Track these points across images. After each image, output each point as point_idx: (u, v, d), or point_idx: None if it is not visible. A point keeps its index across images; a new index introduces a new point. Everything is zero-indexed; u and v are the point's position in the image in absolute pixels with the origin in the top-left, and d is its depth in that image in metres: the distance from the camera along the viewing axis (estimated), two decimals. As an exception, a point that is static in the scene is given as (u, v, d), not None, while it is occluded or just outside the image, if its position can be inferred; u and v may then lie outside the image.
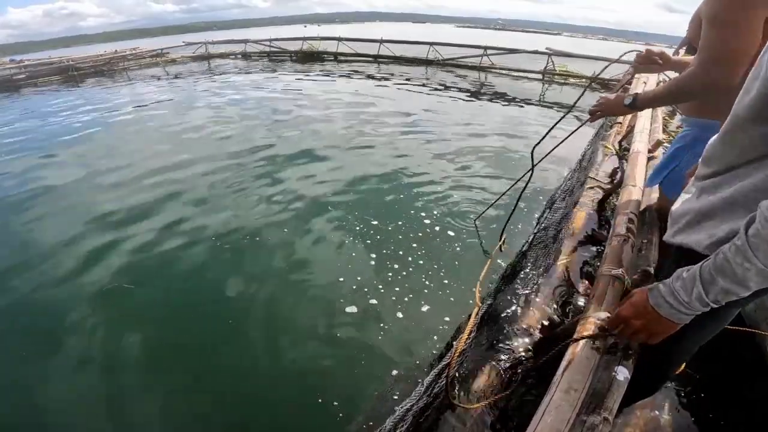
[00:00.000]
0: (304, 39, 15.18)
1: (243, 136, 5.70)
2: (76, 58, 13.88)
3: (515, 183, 3.13)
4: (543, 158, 2.89)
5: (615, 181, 2.83)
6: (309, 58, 14.49)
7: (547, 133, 2.26)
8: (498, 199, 3.25)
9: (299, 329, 2.28)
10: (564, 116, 2.36)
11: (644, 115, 3.91)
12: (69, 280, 2.74)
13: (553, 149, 2.73)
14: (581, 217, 2.42)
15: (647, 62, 1.63)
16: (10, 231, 3.41)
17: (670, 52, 1.56)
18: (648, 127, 3.60)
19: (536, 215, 3.47)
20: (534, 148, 2.47)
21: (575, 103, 2.15)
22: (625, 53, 2.54)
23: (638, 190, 1.98)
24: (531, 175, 2.59)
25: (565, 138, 2.38)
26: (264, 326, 2.30)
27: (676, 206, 0.88)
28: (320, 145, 5.29)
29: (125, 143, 5.63)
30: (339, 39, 14.31)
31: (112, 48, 17.07)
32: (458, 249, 2.99)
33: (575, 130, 2.17)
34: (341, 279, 2.68)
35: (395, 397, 1.83)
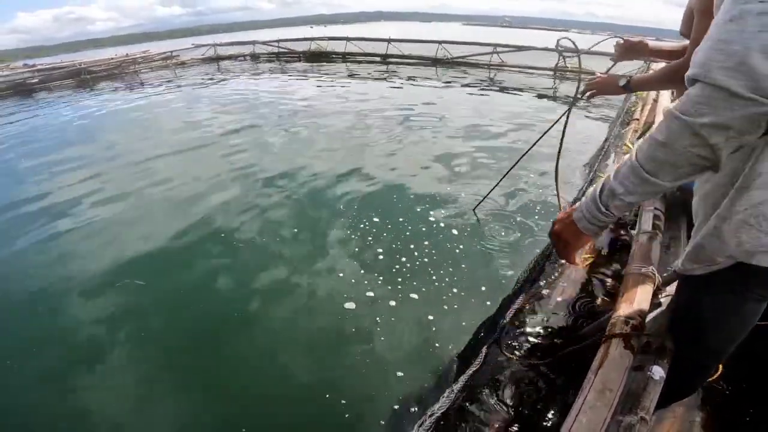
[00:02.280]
0: (312, 39, 15.23)
1: (252, 135, 5.77)
2: (88, 62, 14.09)
3: (510, 169, 3.16)
4: (533, 145, 2.92)
5: None
6: (317, 57, 14.55)
7: (538, 139, 2.25)
8: (494, 187, 3.27)
9: (302, 329, 2.27)
10: (554, 124, 2.40)
11: (665, 104, 3.85)
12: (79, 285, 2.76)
13: (543, 134, 2.83)
14: None
15: (627, 51, 1.67)
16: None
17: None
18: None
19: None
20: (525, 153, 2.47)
21: (568, 112, 2.13)
22: (609, 40, 2.53)
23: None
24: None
25: (558, 119, 2.45)
26: (266, 329, 2.29)
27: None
28: (326, 144, 5.33)
29: (135, 140, 5.70)
30: (347, 39, 14.33)
31: (122, 51, 17.31)
32: (463, 246, 2.95)
33: (566, 112, 2.22)
34: (341, 275, 2.68)
35: (412, 401, 1.80)
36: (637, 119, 4.67)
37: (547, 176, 3.92)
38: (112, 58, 14.90)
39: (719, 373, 1.22)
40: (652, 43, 1.63)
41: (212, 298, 2.55)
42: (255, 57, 16.04)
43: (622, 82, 1.55)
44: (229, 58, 16.34)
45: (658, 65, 1.82)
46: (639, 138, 4.08)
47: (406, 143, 5.25)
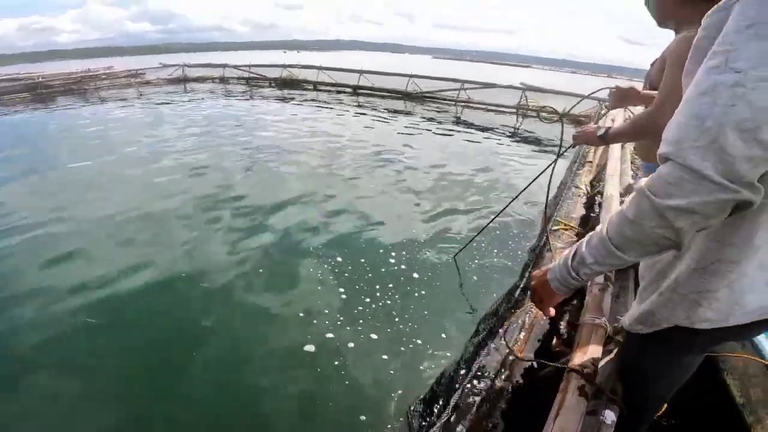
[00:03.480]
0: (284, 66, 15.31)
1: (214, 166, 5.58)
2: (46, 75, 13.45)
3: (494, 219, 3.18)
4: (518, 195, 2.97)
5: (589, 225, 2.93)
6: (288, 85, 14.60)
7: (521, 192, 2.30)
8: (475, 236, 3.25)
9: (259, 368, 2.20)
10: (539, 175, 2.45)
11: (615, 157, 4.09)
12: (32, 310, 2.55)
13: (526, 186, 2.84)
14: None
15: (620, 99, 1.72)
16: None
17: (639, 86, 1.64)
18: (619, 169, 3.76)
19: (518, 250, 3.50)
20: (507, 205, 2.50)
21: (557, 156, 2.21)
22: (598, 90, 2.69)
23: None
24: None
25: (543, 171, 2.46)
26: (219, 375, 2.19)
27: None
28: (292, 176, 5.25)
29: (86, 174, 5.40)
30: (319, 68, 14.53)
31: (85, 65, 16.72)
32: (434, 287, 2.94)
33: (554, 161, 2.24)
34: (302, 315, 2.59)
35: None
36: (590, 162, 4.96)
37: (524, 223, 3.99)
38: (72, 73, 14.33)
39: (665, 409, 1.26)
40: (643, 91, 1.68)
41: (161, 337, 2.42)
42: (224, 80, 15.91)
43: (600, 133, 1.61)
44: (198, 80, 16.12)
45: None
46: (592, 179, 4.31)
47: (376, 179, 5.26)
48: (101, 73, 15.07)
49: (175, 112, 9.50)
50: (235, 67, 16.28)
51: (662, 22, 1.36)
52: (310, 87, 14.43)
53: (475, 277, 3.09)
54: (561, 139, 2.05)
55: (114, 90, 13.63)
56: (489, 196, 4.85)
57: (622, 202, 2.64)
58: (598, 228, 0.70)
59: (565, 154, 1.98)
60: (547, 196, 2.34)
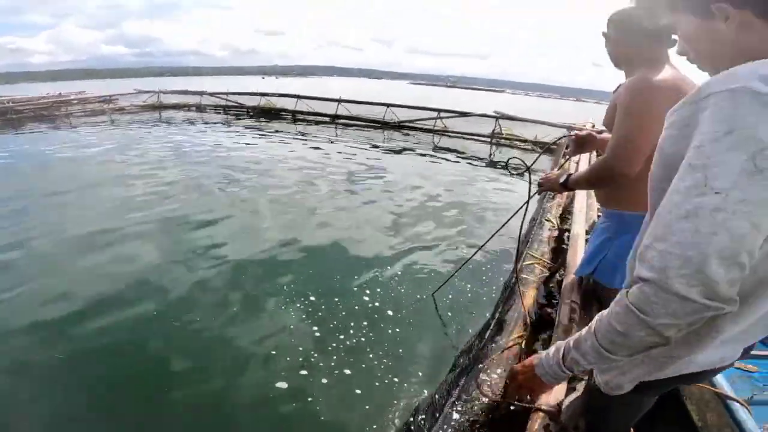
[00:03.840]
0: (262, 95, 15.32)
1: (184, 198, 5.43)
2: (17, 100, 13.04)
3: (469, 258, 3.18)
4: (494, 234, 3.02)
5: (559, 262, 3.02)
6: (266, 114, 14.59)
7: (495, 233, 2.34)
8: (453, 275, 3.21)
9: (229, 405, 2.14)
10: (511, 217, 2.51)
11: (582, 193, 4.25)
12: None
13: (501, 227, 2.85)
14: (531, 296, 2.49)
15: (580, 146, 1.77)
16: None
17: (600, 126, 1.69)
18: (585, 205, 3.91)
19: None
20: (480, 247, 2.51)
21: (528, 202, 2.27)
22: (560, 138, 2.83)
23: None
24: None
25: (515, 213, 2.50)
26: (192, 401, 2.15)
27: None
28: (267, 207, 5.17)
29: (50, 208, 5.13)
30: (297, 96, 14.61)
31: (58, 88, 16.30)
32: (409, 324, 2.90)
33: (524, 204, 2.28)
34: (274, 352, 2.53)
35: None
36: (560, 194, 5.13)
37: (498, 256, 4.00)
38: (43, 98, 13.97)
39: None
40: (600, 135, 1.73)
41: (123, 373, 2.34)
42: (201, 108, 15.81)
43: (562, 180, 1.64)
44: (174, 107, 15.96)
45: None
46: (562, 213, 4.45)
47: (352, 211, 5.23)
48: (73, 98, 14.74)
49: (147, 141, 9.30)
50: (212, 94, 16.22)
51: (617, 66, 1.44)
52: (288, 116, 14.46)
53: (449, 313, 3.07)
54: (529, 189, 2.10)
55: (85, 117, 13.30)
56: (464, 228, 4.86)
57: (587, 241, 2.75)
58: (585, 331, 0.73)
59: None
60: (519, 242, 2.40)
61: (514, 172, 2.10)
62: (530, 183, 2.08)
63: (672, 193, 0.54)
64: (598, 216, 3.44)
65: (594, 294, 1.91)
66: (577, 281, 2.03)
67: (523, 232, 2.56)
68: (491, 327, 2.42)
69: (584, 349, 0.72)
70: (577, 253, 2.58)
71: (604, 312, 0.68)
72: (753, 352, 2.37)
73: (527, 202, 2.16)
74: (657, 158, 0.66)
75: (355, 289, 3.36)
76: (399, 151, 9.75)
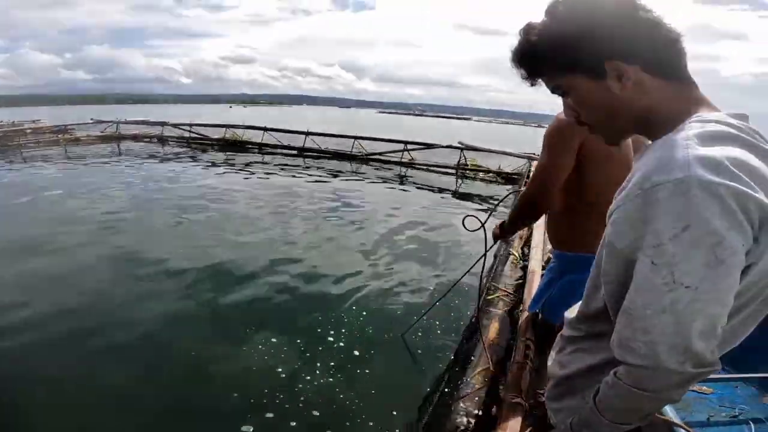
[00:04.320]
0: (227, 126, 15.04)
1: (146, 234, 5.19)
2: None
3: (443, 297, 3.12)
4: (462, 276, 2.97)
5: (522, 294, 3.01)
6: (231, 146, 14.27)
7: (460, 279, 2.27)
8: (422, 316, 3.15)
9: None
10: (474, 265, 2.51)
11: (539, 229, 4.27)
12: None
13: (461, 277, 2.90)
14: (494, 329, 2.51)
15: (497, 238, 1.90)
16: None
17: None
18: (541, 242, 3.91)
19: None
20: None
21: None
22: (508, 194, 2.91)
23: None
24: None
25: (476, 262, 2.53)
26: None
27: None
28: (233, 243, 5.01)
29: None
30: (264, 129, 14.40)
31: (14, 115, 15.41)
32: (378, 365, 2.83)
33: (483, 256, 2.37)
34: (237, 395, 2.41)
35: None
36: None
37: (466, 293, 3.85)
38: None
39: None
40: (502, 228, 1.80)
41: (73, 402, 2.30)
42: (163, 140, 15.32)
43: (504, 224, 1.74)
44: (134, 138, 15.40)
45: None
46: (524, 246, 4.42)
47: (317, 248, 5.08)
48: (27, 127, 13.95)
49: (102, 177, 8.80)
50: (175, 125, 15.81)
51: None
52: (254, 149, 14.23)
53: (419, 351, 3.02)
54: (486, 243, 2.17)
55: (39, 149, 12.48)
56: (434, 262, 4.83)
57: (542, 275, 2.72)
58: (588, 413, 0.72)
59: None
60: (480, 295, 2.49)
61: (471, 229, 2.15)
62: (486, 243, 2.18)
63: (644, 290, 0.56)
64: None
65: (549, 330, 1.95)
66: (531, 317, 2.10)
67: (488, 266, 2.65)
68: (453, 368, 2.49)
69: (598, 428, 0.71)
70: (533, 289, 2.68)
71: (598, 402, 0.69)
72: (709, 376, 2.41)
73: (484, 255, 2.30)
74: (607, 254, 0.66)
75: (323, 328, 3.26)
76: (367, 184, 9.73)
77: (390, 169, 12.04)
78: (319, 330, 3.19)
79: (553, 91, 0.73)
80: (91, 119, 16.43)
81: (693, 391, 2.43)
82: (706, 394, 2.44)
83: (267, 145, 14.24)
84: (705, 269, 0.51)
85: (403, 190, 9.46)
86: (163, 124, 16.00)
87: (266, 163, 11.87)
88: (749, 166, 0.53)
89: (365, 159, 12.86)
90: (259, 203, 7.16)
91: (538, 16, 0.70)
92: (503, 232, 1.76)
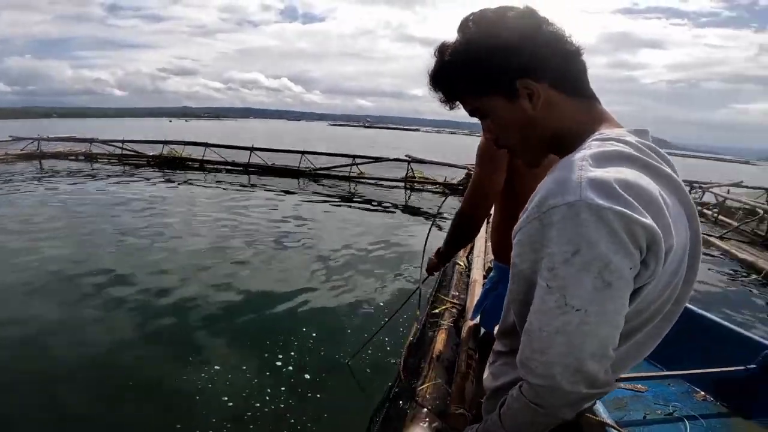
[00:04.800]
0: (165, 143, 14.23)
1: (79, 260, 4.78)
2: None
3: (390, 318, 3.07)
4: (401, 307, 2.95)
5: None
6: (169, 164, 13.49)
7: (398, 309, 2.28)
8: (369, 340, 3.04)
9: None
10: (407, 300, 2.58)
11: (480, 238, 4.37)
12: None
13: (402, 304, 2.85)
14: (441, 340, 2.49)
15: (433, 268, 1.89)
16: None
17: None
18: (482, 252, 4.01)
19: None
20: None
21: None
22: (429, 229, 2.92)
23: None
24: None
25: (409, 297, 2.56)
26: None
27: None
28: (174, 265, 4.78)
29: None
30: (206, 145, 13.78)
31: None
32: (329, 388, 2.78)
33: (416, 290, 2.42)
34: (179, 427, 2.29)
35: None
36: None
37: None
38: None
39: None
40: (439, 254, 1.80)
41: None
42: (91, 157, 14.20)
43: (434, 255, 1.75)
44: (58, 156, 14.11)
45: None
46: (469, 254, 4.50)
47: (263, 270, 4.91)
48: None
49: (21, 199, 7.98)
50: (105, 142, 14.74)
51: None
52: (195, 165, 13.54)
53: (368, 370, 2.99)
54: (419, 290, 2.23)
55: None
56: (383, 278, 4.81)
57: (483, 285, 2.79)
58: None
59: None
60: (419, 305, 2.51)
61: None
62: (419, 290, 2.28)
63: (539, 312, 0.57)
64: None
65: (489, 340, 1.99)
66: (473, 328, 2.12)
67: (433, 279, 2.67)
68: (401, 383, 2.45)
69: None
70: (474, 298, 2.71)
71: (503, 413, 0.71)
72: (641, 374, 2.56)
73: (418, 288, 2.38)
74: (512, 274, 0.67)
75: (271, 351, 3.16)
76: (315, 201, 9.58)
77: (338, 184, 11.99)
78: (266, 355, 3.08)
79: (471, 114, 0.72)
80: (10, 136, 14.93)
81: (629, 389, 2.57)
82: (641, 392, 2.59)
83: (209, 161, 13.63)
84: (593, 292, 0.52)
85: (352, 205, 9.43)
86: (91, 140, 14.89)
87: (208, 181, 11.38)
88: (639, 189, 0.54)
89: (313, 174, 12.70)
90: (201, 223, 6.82)
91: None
92: (441, 258, 1.75)
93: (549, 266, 0.55)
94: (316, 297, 4.17)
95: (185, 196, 9.16)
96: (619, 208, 0.51)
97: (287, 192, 10.36)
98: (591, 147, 0.59)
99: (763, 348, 2.30)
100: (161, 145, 14.26)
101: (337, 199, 9.94)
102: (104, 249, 5.25)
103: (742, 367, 2.26)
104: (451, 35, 0.67)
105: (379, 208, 9.27)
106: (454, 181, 11.70)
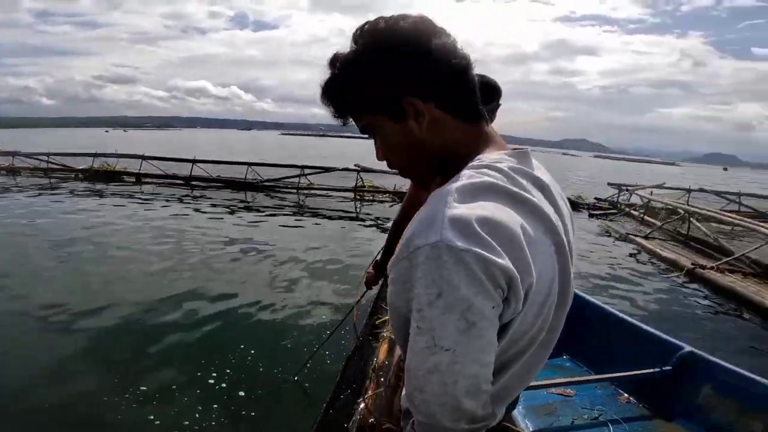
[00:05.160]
0: (96, 155, 13.26)
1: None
2: None
3: (333, 332, 3.06)
4: (338, 326, 2.96)
5: None
6: (102, 177, 12.54)
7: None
8: (312, 355, 3.07)
9: None
10: (344, 319, 2.65)
11: None
12: None
13: (338, 326, 2.94)
14: (384, 351, 2.47)
15: (370, 282, 1.92)
16: None
17: None
18: None
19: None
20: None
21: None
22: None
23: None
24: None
25: (346, 316, 2.64)
26: None
27: None
28: (111, 283, 4.60)
29: None
30: (142, 157, 12.95)
31: None
32: (273, 407, 2.77)
33: (350, 311, 2.43)
34: None
35: None
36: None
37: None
38: None
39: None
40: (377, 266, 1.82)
41: None
42: (15, 171, 12.96)
43: (370, 268, 1.76)
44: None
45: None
46: None
47: (206, 285, 4.73)
48: None
49: None
50: (29, 155, 13.52)
51: None
52: (131, 179, 12.72)
53: (307, 384, 3.00)
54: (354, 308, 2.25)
55: None
56: (333, 290, 4.81)
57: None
58: None
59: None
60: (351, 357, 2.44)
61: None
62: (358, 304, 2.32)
63: (412, 352, 0.58)
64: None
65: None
66: None
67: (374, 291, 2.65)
68: (340, 396, 2.42)
69: None
70: None
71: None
72: (569, 379, 2.64)
73: (352, 309, 2.40)
74: (390, 310, 0.65)
75: (204, 369, 3.09)
76: (262, 214, 9.30)
77: (286, 196, 11.71)
78: (199, 374, 2.99)
79: (362, 132, 0.68)
80: None
81: (559, 394, 2.65)
82: (570, 396, 2.68)
83: (147, 175, 12.85)
84: (459, 333, 0.53)
85: (301, 218, 9.23)
86: (14, 154, 13.65)
87: (144, 196, 10.72)
88: (499, 227, 0.53)
89: (260, 186, 12.31)
90: (136, 240, 6.43)
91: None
92: (379, 269, 1.73)
93: (417, 307, 0.55)
94: (259, 313, 4.08)
95: (116, 212, 8.54)
96: (477, 250, 0.51)
97: (231, 206, 9.96)
98: (461, 178, 0.58)
99: (678, 349, 2.46)
100: (92, 158, 13.26)
101: (285, 211, 9.72)
102: (20, 270, 4.88)
103: (657, 369, 2.40)
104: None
105: (327, 219, 9.18)
106: (404, 189, 11.81)
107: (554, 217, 0.62)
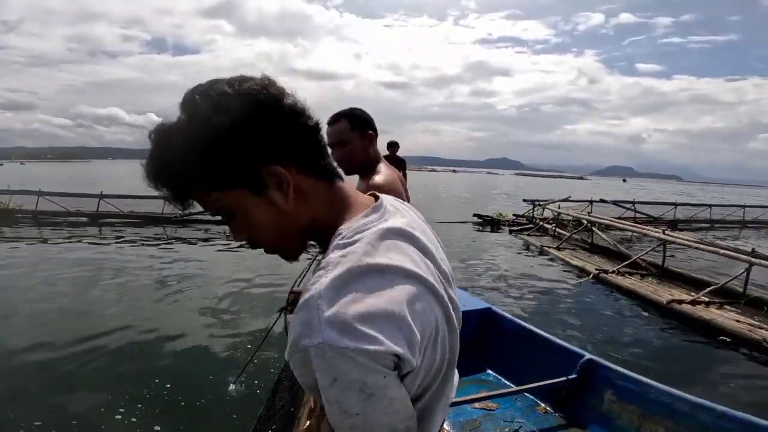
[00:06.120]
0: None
1: None
2: None
3: (262, 342, 2.93)
4: (261, 342, 2.86)
5: None
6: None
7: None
8: (249, 362, 3.05)
9: None
10: (269, 331, 2.62)
11: None
12: None
13: (265, 337, 2.80)
14: None
15: (295, 302, 1.88)
16: None
17: None
18: None
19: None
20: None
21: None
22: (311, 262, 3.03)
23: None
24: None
25: (270, 329, 2.55)
26: None
27: None
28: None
29: None
30: (39, 193, 11.49)
31: None
32: (220, 417, 2.89)
33: (274, 323, 2.35)
34: None
35: None
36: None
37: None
38: None
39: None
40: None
41: None
42: None
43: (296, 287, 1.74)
44: None
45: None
46: None
47: (131, 312, 4.64)
48: None
49: None
50: None
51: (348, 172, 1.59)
52: (28, 219, 11.26)
53: (239, 387, 3.14)
54: (285, 324, 2.15)
55: None
56: (256, 307, 4.99)
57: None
58: None
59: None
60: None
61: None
62: (285, 323, 2.23)
63: (329, 415, 0.59)
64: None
65: None
66: None
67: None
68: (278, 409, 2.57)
69: None
70: None
71: None
72: (490, 393, 2.73)
73: (266, 333, 2.48)
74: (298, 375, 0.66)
75: (153, 386, 3.22)
76: (177, 247, 8.83)
77: (212, 227, 11.07)
78: (152, 385, 3.09)
79: (213, 215, 0.62)
80: None
81: (482, 408, 2.73)
82: (492, 410, 2.77)
83: (46, 213, 11.49)
84: (362, 402, 0.55)
85: (230, 246, 8.81)
86: None
87: (45, 236, 9.60)
88: (374, 316, 0.52)
89: (179, 221, 11.42)
90: (49, 277, 5.86)
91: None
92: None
93: (321, 386, 0.56)
94: (183, 341, 4.14)
95: (17, 254, 7.57)
96: (358, 346, 0.51)
97: (146, 243, 9.24)
98: (328, 269, 0.54)
99: (580, 357, 2.68)
100: (-24, 198, 11.54)
101: (210, 243, 9.29)
102: None
103: (564, 378, 2.58)
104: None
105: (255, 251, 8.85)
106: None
107: (427, 266, 0.62)
